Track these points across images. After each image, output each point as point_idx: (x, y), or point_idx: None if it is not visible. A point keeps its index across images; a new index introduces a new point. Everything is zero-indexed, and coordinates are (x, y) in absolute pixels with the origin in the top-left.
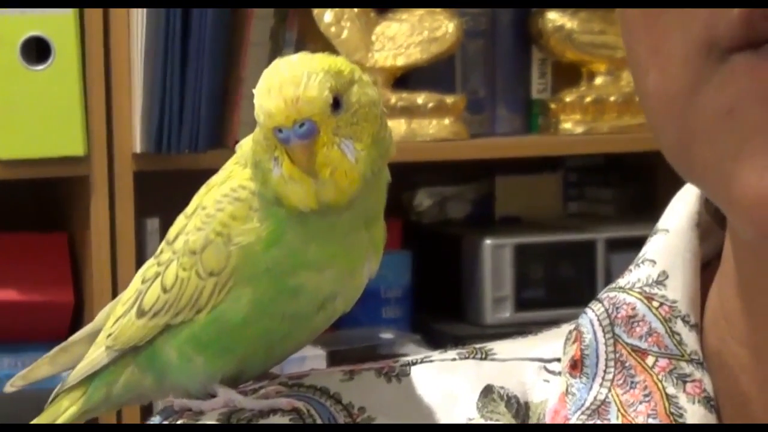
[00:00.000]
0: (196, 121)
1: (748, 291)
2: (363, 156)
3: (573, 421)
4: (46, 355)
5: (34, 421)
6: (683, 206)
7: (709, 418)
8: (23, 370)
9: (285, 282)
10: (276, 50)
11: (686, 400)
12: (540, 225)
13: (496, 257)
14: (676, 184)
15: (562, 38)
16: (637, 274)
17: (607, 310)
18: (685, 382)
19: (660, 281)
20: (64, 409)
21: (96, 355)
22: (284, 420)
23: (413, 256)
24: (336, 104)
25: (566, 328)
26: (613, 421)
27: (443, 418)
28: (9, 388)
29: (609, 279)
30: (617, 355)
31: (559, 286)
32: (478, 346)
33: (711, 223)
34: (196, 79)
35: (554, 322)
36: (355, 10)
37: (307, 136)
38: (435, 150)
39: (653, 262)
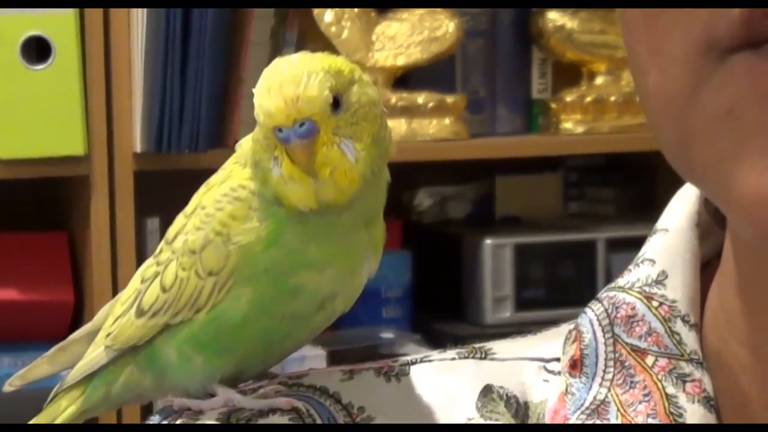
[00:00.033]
0: (197, 120)
1: (748, 291)
2: (363, 156)
3: (572, 420)
4: (45, 355)
5: (33, 421)
6: (683, 206)
7: (709, 418)
8: (22, 369)
9: (284, 282)
10: (276, 50)
11: (686, 399)
12: (540, 225)
13: (496, 257)
14: (677, 184)
15: (562, 38)
16: (637, 274)
17: (606, 310)
18: (684, 382)
19: (660, 281)
20: (63, 409)
21: (95, 354)
22: (284, 419)
23: (413, 255)
24: (336, 104)
25: (566, 327)
26: (613, 421)
27: (443, 417)
28: (8, 387)
29: (609, 279)
30: (617, 355)
31: (559, 286)
32: (477, 345)
33: (711, 223)
34: (197, 78)
35: (554, 322)
36: (356, 9)
37: (307, 136)
38: (435, 150)
39: (653, 261)
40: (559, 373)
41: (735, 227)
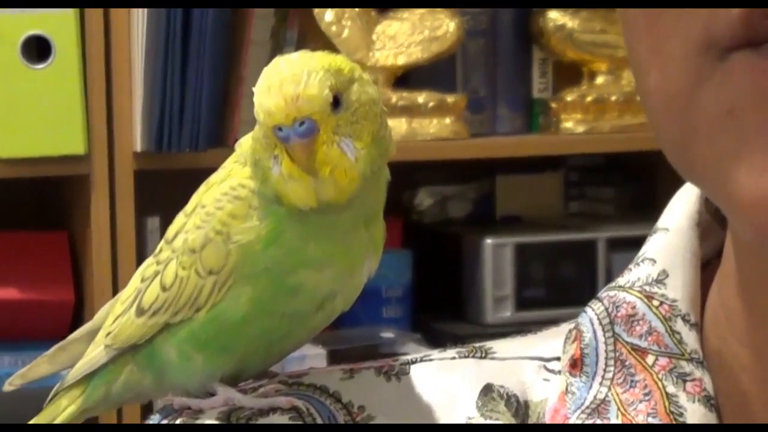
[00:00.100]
0: (197, 120)
1: (749, 290)
2: (363, 155)
3: (573, 420)
4: (45, 354)
5: (33, 420)
6: (683, 205)
7: (710, 417)
8: (23, 368)
9: (284, 281)
10: (277, 49)
11: (686, 399)
12: (541, 224)
13: (496, 257)
14: (677, 183)
15: (563, 37)
16: (637, 273)
17: (606, 309)
18: (685, 381)
19: (660, 280)
20: (63, 408)
21: (95, 353)
22: (284, 418)
23: (414, 255)
24: (336, 103)
25: (566, 327)
26: (613, 420)
27: (443, 416)
28: (8, 386)
29: (610, 278)
30: (617, 354)
31: (559, 285)
32: (477, 344)
33: (711, 223)
34: (197, 78)
35: (555, 322)
36: (356, 9)
37: (307, 135)
38: (436, 149)
39: (653, 261)
40: (559, 372)
41: (735, 228)
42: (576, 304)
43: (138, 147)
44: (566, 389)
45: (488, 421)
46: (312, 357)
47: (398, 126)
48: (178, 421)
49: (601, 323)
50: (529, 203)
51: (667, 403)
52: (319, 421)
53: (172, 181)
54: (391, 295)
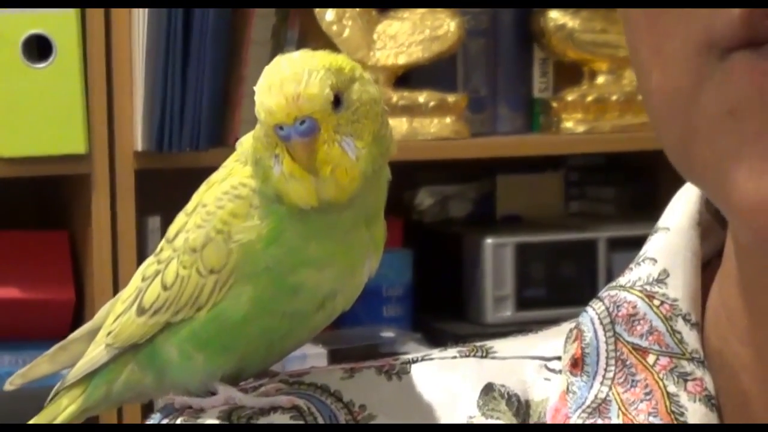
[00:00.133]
0: (197, 119)
1: (750, 290)
2: (364, 154)
3: (574, 419)
4: (46, 353)
5: (34, 420)
6: (684, 205)
7: (710, 417)
8: (23, 367)
9: (285, 280)
10: (277, 49)
11: (687, 398)
12: (541, 224)
13: (497, 256)
14: (678, 183)
15: (563, 37)
16: (638, 273)
17: (607, 309)
18: (686, 381)
19: (661, 280)
20: (63, 408)
21: (96, 353)
22: (285, 417)
23: (414, 254)
24: (337, 102)
25: (567, 326)
26: (614, 420)
27: (444, 416)
28: (8, 386)
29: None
30: (618, 354)
31: (560, 285)
32: (478, 344)
33: (712, 222)
34: (198, 77)
35: (556, 322)
36: (357, 8)
37: (308, 134)
38: (436, 149)
39: (654, 260)
40: (560, 371)
41: (734, 230)
42: (576, 304)
43: (139, 146)
44: (567, 389)
45: (489, 421)
46: (312, 356)
47: (399, 126)
48: (178, 421)
49: (601, 323)
50: (529, 203)
51: (668, 403)
52: (320, 420)
53: (172, 181)
54: (392, 295)
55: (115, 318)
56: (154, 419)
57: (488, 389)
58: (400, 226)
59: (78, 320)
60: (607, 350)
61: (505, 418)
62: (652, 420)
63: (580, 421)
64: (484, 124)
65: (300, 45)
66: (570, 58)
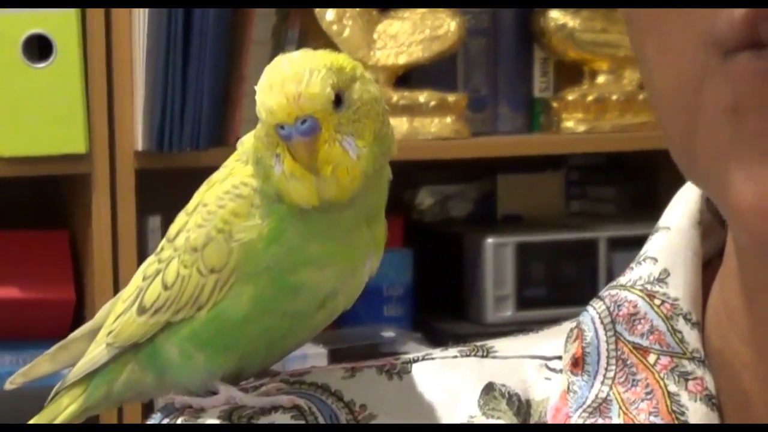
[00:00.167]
0: (198, 119)
1: (751, 289)
2: (365, 153)
3: (574, 419)
4: (47, 353)
5: (35, 419)
6: (685, 204)
7: (711, 416)
8: (24, 367)
9: (286, 279)
10: (278, 48)
11: (688, 398)
12: (542, 224)
13: (497, 256)
14: (678, 182)
15: (564, 37)
16: (639, 272)
17: (608, 308)
18: (686, 380)
19: (662, 279)
20: (64, 407)
21: (96, 352)
22: (285, 417)
23: (415, 254)
24: (338, 101)
25: (567, 325)
26: (615, 420)
27: (445, 415)
28: (9, 385)
29: (611, 278)
30: (619, 353)
31: (560, 284)
32: (479, 343)
33: (712, 222)
34: (198, 77)
35: (556, 321)
36: (357, 8)
37: (309, 133)
38: (437, 148)
39: (655, 259)
40: (560, 371)
41: (732, 232)
42: (577, 304)
43: (139, 146)
44: (568, 388)
45: (490, 420)
46: (313, 356)
47: (399, 125)
48: (179, 420)
49: (602, 322)
50: (530, 202)
51: (668, 402)
52: (321, 419)
53: (173, 180)
54: (392, 294)
55: (116, 317)
56: (155, 419)
57: (489, 389)
58: (401, 226)
59: (78, 320)
60: (607, 350)
61: (506, 417)
62: (653, 419)
63: (580, 421)
64: (485, 124)
65: (300, 44)
66: (570, 58)
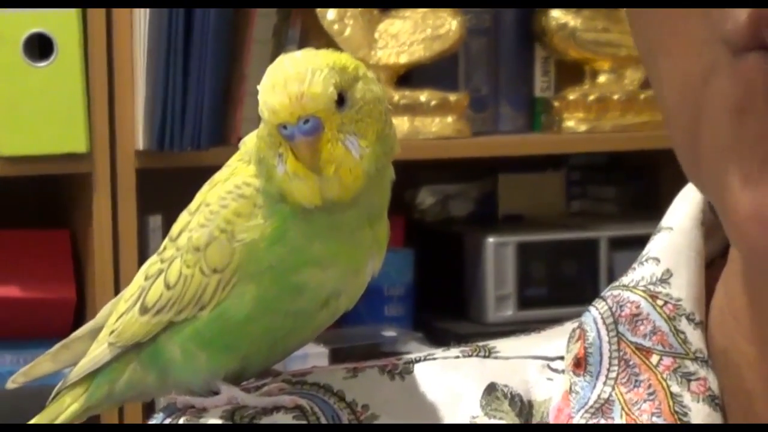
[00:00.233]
0: (199, 118)
1: (755, 288)
2: (367, 153)
3: (576, 419)
4: (48, 352)
5: (36, 418)
6: (687, 204)
7: (714, 417)
8: (25, 366)
9: (288, 279)
10: (279, 48)
11: (691, 398)
12: (543, 223)
13: (498, 255)
14: (680, 182)
15: (565, 36)
16: (641, 272)
17: (610, 308)
18: (689, 381)
19: (664, 279)
20: (66, 406)
21: (98, 352)
22: (287, 417)
23: (416, 254)
24: (340, 101)
25: (569, 326)
26: (617, 420)
27: (447, 415)
28: (11, 384)
29: (612, 277)
30: (621, 354)
31: (561, 284)
32: (481, 344)
33: (715, 222)
34: (199, 76)
35: (557, 321)
36: (358, 7)
37: (312, 133)
38: (438, 148)
39: (657, 260)
40: (563, 371)
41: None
42: (578, 304)
43: (140, 145)
44: (570, 389)
45: (492, 421)
46: (314, 356)
47: (400, 125)
48: (181, 420)
49: (605, 322)
50: (531, 202)
51: (671, 403)
52: (323, 420)
53: (173, 180)
54: (393, 294)
55: (118, 317)
56: (157, 419)
57: (491, 389)
58: (402, 226)
59: (79, 319)
60: (610, 350)
61: (508, 418)
62: (656, 420)
63: (583, 421)
64: (486, 123)
65: (301, 44)
66: (572, 57)
